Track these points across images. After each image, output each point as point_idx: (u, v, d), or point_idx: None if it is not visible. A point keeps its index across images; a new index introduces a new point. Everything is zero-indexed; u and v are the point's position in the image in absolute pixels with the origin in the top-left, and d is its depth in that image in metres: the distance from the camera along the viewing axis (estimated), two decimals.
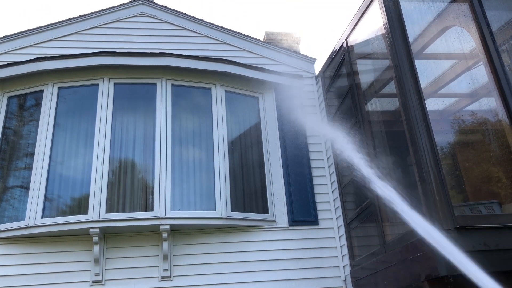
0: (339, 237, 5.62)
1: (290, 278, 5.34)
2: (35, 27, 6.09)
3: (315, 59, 6.61)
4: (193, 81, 5.97)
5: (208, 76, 6.00)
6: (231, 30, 6.55)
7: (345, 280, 5.41)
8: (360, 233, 5.20)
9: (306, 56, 6.61)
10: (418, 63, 4.29)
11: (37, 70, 5.57)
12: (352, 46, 5.35)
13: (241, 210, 5.59)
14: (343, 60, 5.54)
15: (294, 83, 6.35)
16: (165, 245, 5.11)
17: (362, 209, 4.96)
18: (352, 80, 5.27)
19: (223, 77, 6.06)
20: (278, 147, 6.02)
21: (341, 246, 5.57)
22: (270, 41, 8.36)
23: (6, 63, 5.76)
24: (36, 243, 5.10)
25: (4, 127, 5.64)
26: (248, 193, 5.85)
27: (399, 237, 4.10)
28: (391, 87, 4.56)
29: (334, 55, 5.87)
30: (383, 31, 4.43)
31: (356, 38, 5.22)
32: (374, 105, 4.92)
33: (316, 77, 6.54)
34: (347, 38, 5.38)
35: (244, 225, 5.51)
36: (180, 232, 5.33)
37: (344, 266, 5.46)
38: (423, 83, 4.52)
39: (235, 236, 5.48)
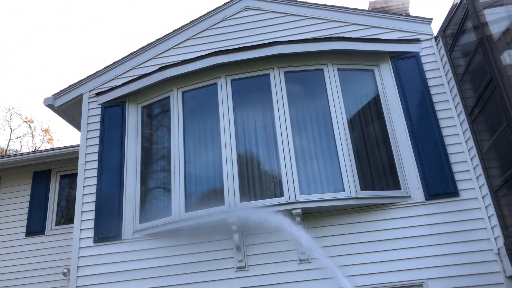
0: (486, 207, 5.13)
1: (434, 254, 5.04)
2: (154, 40, 6.64)
3: (432, 19, 6.07)
4: (304, 64, 5.94)
5: (319, 57, 5.91)
6: (336, 6, 6.35)
7: (498, 253, 4.92)
8: None
9: (421, 17, 6.11)
10: None
11: (162, 79, 6.07)
12: None
13: (370, 188, 5.43)
14: (466, 13, 4.99)
15: (411, 47, 5.94)
16: None
17: None
18: (481, 33, 4.72)
19: (334, 55, 5.92)
20: (402, 118, 5.69)
21: (489, 217, 5.08)
22: (376, 10, 7.94)
23: (136, 76, 6.39)
24: (180, 236, 5.57)
25: (142, 136, 6.26)
26: (376, 170, 5.65)
27: None
28: None
29: (454, 9, 5.32)
30: None
31: None
32: None
33: (436, 37, 6.00)
34: None
35: (376, 203, 5.35)
36: (312, 215, 5.37)
37: (495, 238, 4.97)
38: None
39: (367, 215, 5.35)
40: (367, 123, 5.91)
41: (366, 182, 5.43)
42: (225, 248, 5.44)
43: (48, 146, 26.19)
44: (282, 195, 5.32)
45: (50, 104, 6.72)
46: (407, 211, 5.30)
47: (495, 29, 4.62)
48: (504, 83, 4.39)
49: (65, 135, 33.02)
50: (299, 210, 5.16)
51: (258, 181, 5.58)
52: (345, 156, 5.44)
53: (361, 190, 5.32)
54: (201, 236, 5.54)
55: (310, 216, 5.37)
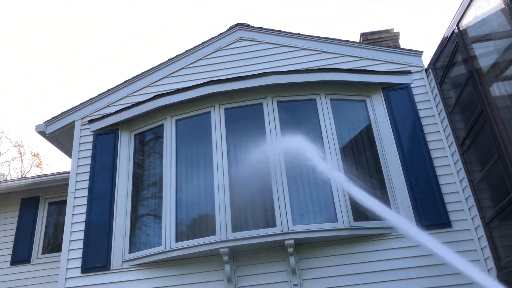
0: (478, 238, 5.11)
1: (428, 287, 4.97)
2: (149, 68, 6.68)
3: (422, 52, 6.21)
4: (297, 94, 6.00)
5: (311, 87, 5.98)
6: (328, 38, 6.48)
7: None
8: (505, 232, 4.66)
9: (411, 50, 6.25)
10: None
11: (156, 107, 6.08)
12: (465, 30, 4.92)
13: (363, 219, 5.40)
14: (456, 47, 5.12)
15: (402, 79, 6.05)
16: (291, 259, 5.12)
17: (504, 206, 4.45)
18: (470, 66, 4.83)
19: (327, 86, 5.99)
20: (394, 148, 5.73)
21: (482, 248, 5.05)
22: (367, 42, 8.11)
23: (129, 104, 6.39)
24: (170, 266, 5.46)
25: (134, 163, 6.22)
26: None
27: None
28: None
29: (444, 43, 5.46)
30: (502, 6, 4.00)
31: (469, 21, 4.80)
32: (502, 89, 4.44)
33: (426, 70, 6.13)
34: (458, 23, 4.97)
35: (369, 234, 5.31)
36: (305, 246, 5.31)
37: (489, 270, 4.93)
38: None
39: (360, 246, 5.30)
40: (360, 153, 5.94)
41: (359, 212, 5.41)
42: (216, 279, 5.32)
43: (37, 171, 25.87)
44: (274, 225, 5.26)
45: (42, 131, 6.67)
46: (400, 242, 5.26)
47: (484, 62, 4.73)
48: (494, 115, 4.46)
49: (54, 159, 32.71)
50: (292, 241, 5.10)
51: (250, 210, 5.53)
52: (338, 186, 5.43)
53: (354, 220, 5.28)
54: (191, 267, 5.43)
55: (303, 247, 5.30)
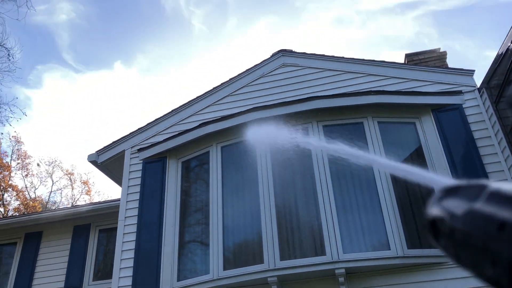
0: None
1: None
2: (195, 97, 6.83)
3: (473, 71, 5.98)
4: (344, 118, 5.91)
5: (358, 110, 5.88)
6: (373, 60, 6.39)
7: None
8: None
9: (462, 69, 6.03)
10: None
11: (203, 134, 6.17)
12: None
13: (417, 247, 5.13)
14: None
15: (453, 100, 5.82)
16: None
17: None
18: None
19: (374, 109, 5.87)
20: (447, 172, 5.47)
21: None
22: (413, 63, 7.92)
23: (177, 132, 6.53)
24: None
25: (181, 190, 6.29)
26: (423, 227, 5.36)
27: None
28: None
29: (499, 61, 5.23)
30: None
31: None
32: None
33: (479, 89, 5.88)
34: None
35: (424, 262, 5.02)
36: (356, 275, 5.10)
37: None
38: None
39: (415, 275, 5.02)
40: None
41: (413, 240, 5.15)
42: None
43: (86, 198, 26.84)
44: (324, 253, 5.11)
45: (94, 160, 6.92)
46: (458, 272, 4.92)
47: None
48: None
49: (103, 186, 33.83)
50: (343, 270, 4.92)
51: (298, 238, 5.41)
52: (389, 212, 5.22)
53: (408, 248, 5.04)
54: None
55: (354, 276, 5.09)
